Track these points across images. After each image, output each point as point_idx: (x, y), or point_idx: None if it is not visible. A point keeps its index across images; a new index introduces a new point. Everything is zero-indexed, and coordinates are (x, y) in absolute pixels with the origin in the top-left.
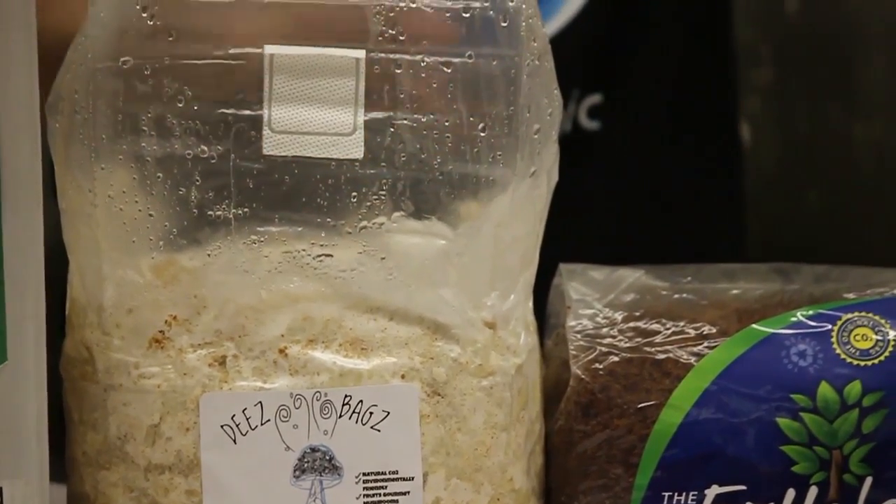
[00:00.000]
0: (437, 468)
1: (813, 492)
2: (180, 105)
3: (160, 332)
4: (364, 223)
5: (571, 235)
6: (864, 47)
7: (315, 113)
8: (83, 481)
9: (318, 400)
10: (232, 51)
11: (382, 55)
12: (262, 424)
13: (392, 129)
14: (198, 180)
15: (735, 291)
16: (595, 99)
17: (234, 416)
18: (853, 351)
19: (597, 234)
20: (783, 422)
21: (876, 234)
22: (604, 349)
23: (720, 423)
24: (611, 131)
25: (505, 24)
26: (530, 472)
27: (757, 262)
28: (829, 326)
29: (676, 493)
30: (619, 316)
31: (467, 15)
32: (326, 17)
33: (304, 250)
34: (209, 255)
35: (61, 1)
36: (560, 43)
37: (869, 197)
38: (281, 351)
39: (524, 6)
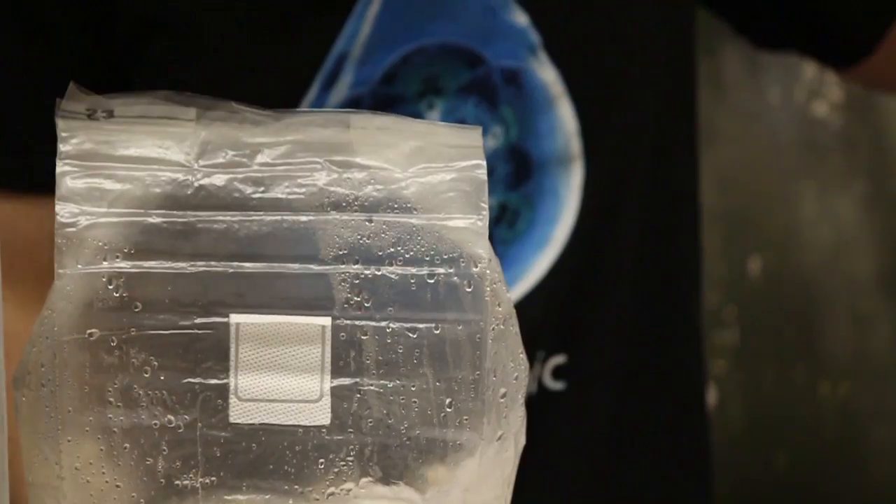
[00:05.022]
0: None
1: None
2: (146, 375)
3: None
4: (332, 489)
5: (539, 496)
6: (826, 308)
7: (281, 380)
8: None
9: None
10: (198, 320)
11: (348, 322)
12: None
13: (359, 395)
14: (165, 450)
15: None
16: (560, 359)
17: None
18: None
19: (564, 494)
20: None
21: (843, 494)
22: None
23: None
24: (576, 392)
25: (469, 290)
26: None
27: None
28: None
29: None
30: None
31: (432, 281)
32: (291, 285)
33: None
34: None
35: None
36: (525, 305)
37: (835, 456)
38: None
39: (488, 272)
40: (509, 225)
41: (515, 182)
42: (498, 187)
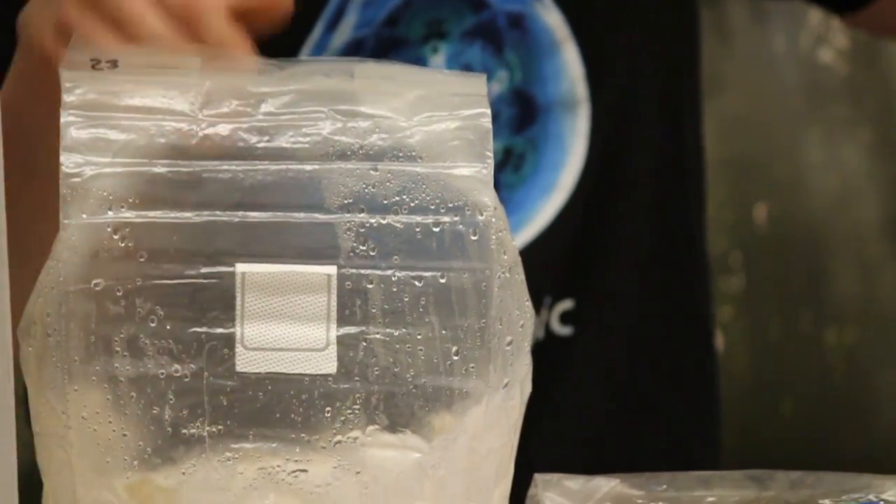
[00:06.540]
0: None
1: None
2: (153, 325)
3: None
4: (338, 438)
5: (546, 443)
6: (832, 254)
7: (287, 329)
8: None
9: None
10: (203, 270)
11: (354, 271)
12: None
13: (365, 344)
14: (171, 399)
15: (711, 499)
16: (567, 305)
17: None
18: None
19: (571, 441)
20: None
21: (850, 440)
22: None
23: None
24: (584, 337)
25: (475, 238)
26: None
27: (731, 469)
28: None
29: None
30: None
31: (437, 229)
32: (297, 234)
33: (278, 466)
34: (184, 473)
35: None
36: (532, 251)
37: (842, 403)
38: None
39: (494, 220)
40: (514, 169)
41: (520, 126)
42: (503, 131)
